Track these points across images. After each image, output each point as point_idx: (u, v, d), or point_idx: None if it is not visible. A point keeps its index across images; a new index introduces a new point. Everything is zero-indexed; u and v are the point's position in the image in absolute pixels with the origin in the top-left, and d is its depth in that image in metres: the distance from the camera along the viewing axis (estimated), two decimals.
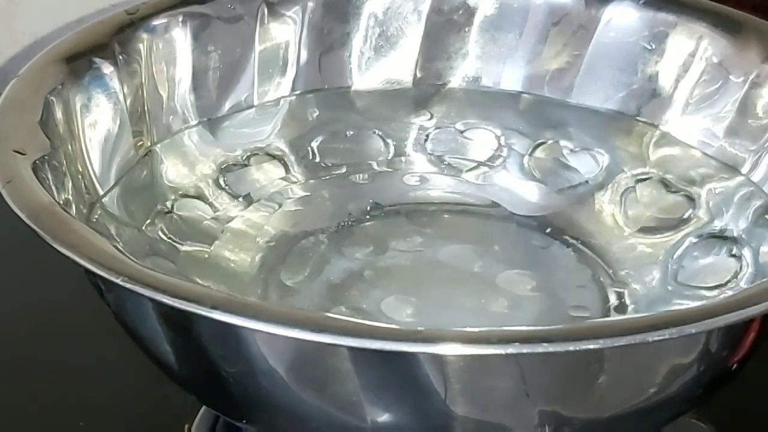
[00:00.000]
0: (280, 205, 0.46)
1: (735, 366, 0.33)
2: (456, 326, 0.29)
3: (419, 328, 0.29)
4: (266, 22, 0.47)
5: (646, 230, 0.44)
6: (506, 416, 0.32)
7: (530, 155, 0.47)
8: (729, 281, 0.40)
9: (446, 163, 0.48)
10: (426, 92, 0.49)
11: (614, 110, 0.47)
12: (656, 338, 0.28)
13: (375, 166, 0.47)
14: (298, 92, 0.48)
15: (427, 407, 0.31)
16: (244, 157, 0.46)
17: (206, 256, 0.42)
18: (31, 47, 0.55)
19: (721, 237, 0.42)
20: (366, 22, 0.48)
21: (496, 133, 0.48)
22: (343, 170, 0.47)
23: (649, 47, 0.46)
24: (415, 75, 0.49)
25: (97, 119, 0.41)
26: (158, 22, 0.44)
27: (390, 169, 0.47)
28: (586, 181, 0.46)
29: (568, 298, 0.42)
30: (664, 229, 0.44)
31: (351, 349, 0.29)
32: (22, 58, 0.52)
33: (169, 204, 0.43)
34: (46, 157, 0.36)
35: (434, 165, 0.48)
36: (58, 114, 0.39)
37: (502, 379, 0.30)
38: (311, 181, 0.47)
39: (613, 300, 0.42)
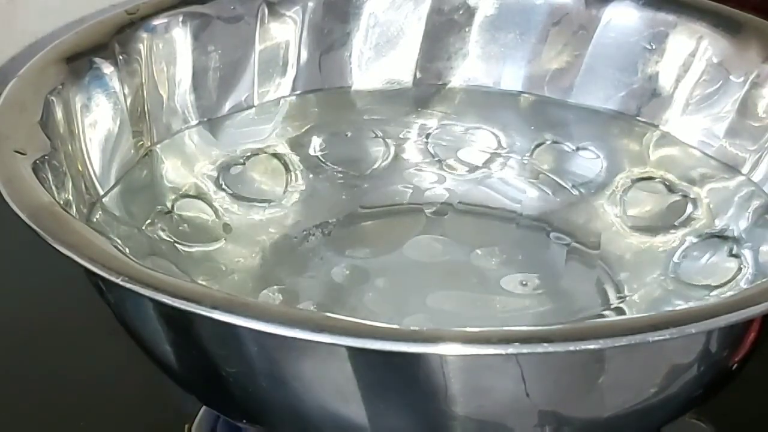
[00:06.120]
0: (280, 205, 0.46)
1: (735, 366, 0.33)
2: (456, 326, 0.29)
3: (419, 328, 0.29)
4: (266, 22, 0.47)
5: (646, 230, 0.44)
6: (506, 416, 0.32)
7: (530, 155, 0.47)
8: (729, 281, 0.40)
9: (446, 163, 0.48)
10: (426, 92, 0.49)
11: (614, 110, 0.47)
12: (656, 338, 0.28)
13: (375, 166, 0.47)
14: (298, 92, 0.48)
15: (427, 407, 0.31)
16: (244, 157, 0.46)
17: (206, 256, 0.42)
18: (31, 47, 0.55)
19: (721, 237, 0.42)
20: (366, 22, 0.48)
21: (496, 133, 0.48)
22: (343, 170, 0.47)
23: (650, 47, 0.46)
24: (415, 75, 0.49)
25: (97, 119, 0.41)
26: (158, 22, 0.44)
27: (390, 169, 0.47)
28: (587, 181, 0.46)
29: (568, 298, 0.42)
30: (664, 229, 0.44)
31: (351, 349, 0.29)
32: (22, 58, 0.52)
33: (169, 204, 0.43)
34: (46, 157, 0.36)
35: (434, 165, 0.48)
36: (58, 114, 0.39)
37: (502, 379, 0.30)
38: (311, 181, 0.47)
39: (613, 300, 0.42)
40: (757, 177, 0.43)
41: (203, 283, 0.40)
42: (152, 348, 0.34)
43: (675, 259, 0.43)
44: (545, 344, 0.28)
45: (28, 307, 0.46)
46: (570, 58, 0.48)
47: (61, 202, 0.35)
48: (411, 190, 0.47)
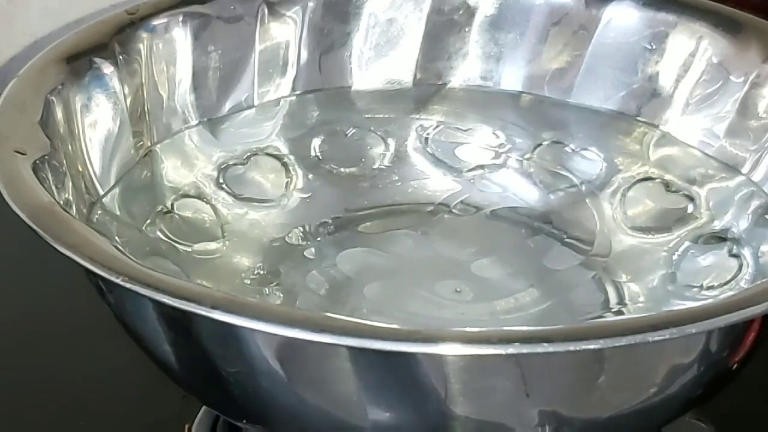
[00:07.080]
0: (280, 205, 0.46)
1: (735, 366, 0.33)
2: (456, 326, 0.29)
3: (419, 328, 0.29)
4: (266, 22, 0.47)
5: (646, 230, 0.44)
6: (506, 416, 0.32)
7: (530, 155, 0.47)
8: (729, 281, 0.40)
9: (446, 163, 0.48)
10: (426, 92, 0.49)
11: (614, 110, 0.47)
12: (656, 338, 0.28)
13: (375, 166, 0.47)
14: (298, 92, 0.48)
15: (427, 407, 0.31)
16: (244, 157, 0.46)
17: (206, 255, 0.42)
18: (31, 47, 0.55)
19: (721, 237, 0.42)
20: (366, 22, 0.48)
21: (496, 133, 0.48)
22: (343, 170, 0.47)
23: (650, 47, 0.46)
24: (415, 75, 0.49)
25: (97, 119, 0.41)
26: (158, 22, 0.44)
27: (390, 169, 0.47)
28: (587, 181, 0.46)
29: (568, 298, 0.42)
30: (664, 229, 0.44)
31: (351, 349, 0.29)
32: (22, 58, 0.52)
33: (169, 204, 0.43)
34: (46, 157, 0.36)
35: (434, 165, 0.48)
36: (58, 114, 0.39)
37: (502, 379, 0.30)
38: (311, 180, 0.47)
39: (613, 300, 0.42)
40: (757, 177, 0.43)
41: (203, 283, 0.40)
42: (152, 348, 0.34)
43: (675, 258, 0.43)
44: (545, 344, 0.28)
45: (28, 307, 0.46)
46: (570, 58, 0.48)
47: (61, 202, 0.35)
48: (411, 190, 0.47)
